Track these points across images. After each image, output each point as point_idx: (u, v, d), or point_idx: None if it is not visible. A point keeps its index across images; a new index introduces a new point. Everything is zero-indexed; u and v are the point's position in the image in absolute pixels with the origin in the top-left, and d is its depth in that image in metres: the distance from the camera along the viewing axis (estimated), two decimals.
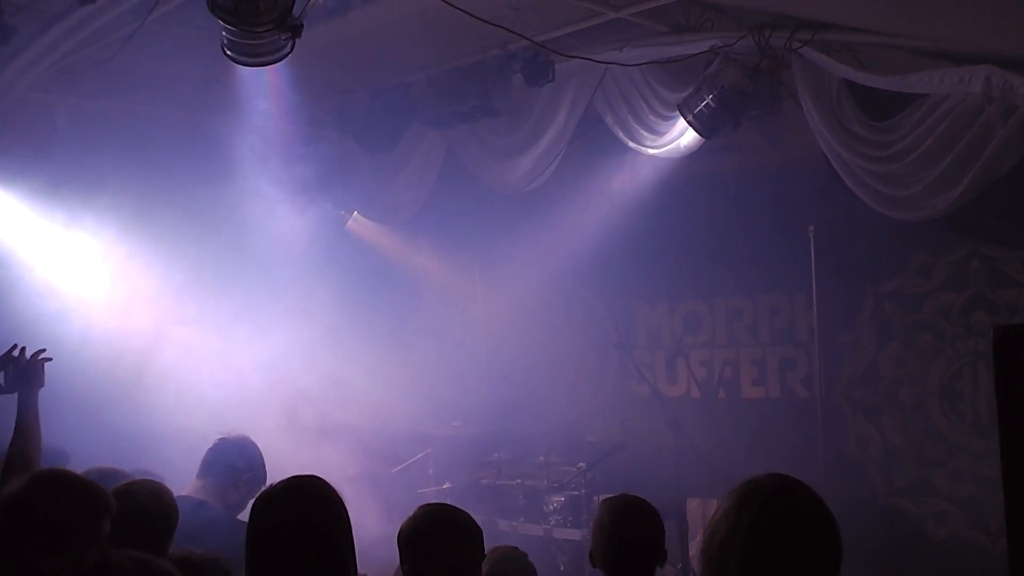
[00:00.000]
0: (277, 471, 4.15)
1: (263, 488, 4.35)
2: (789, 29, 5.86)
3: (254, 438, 4.63)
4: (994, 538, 6.80)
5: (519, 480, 8.20)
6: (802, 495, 2.18)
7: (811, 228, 7.39)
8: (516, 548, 4.10)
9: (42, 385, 4.09)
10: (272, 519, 2.91)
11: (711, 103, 6.19)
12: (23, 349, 4.10)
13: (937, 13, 5.10)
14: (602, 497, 3.74)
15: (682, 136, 6.71)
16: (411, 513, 3.24)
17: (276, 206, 7.88)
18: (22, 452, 3.83)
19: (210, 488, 4.37)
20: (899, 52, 5.67)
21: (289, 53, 4.41)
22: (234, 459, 4.43)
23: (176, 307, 7.42)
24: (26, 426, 3.94)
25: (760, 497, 2.14)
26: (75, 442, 4.69)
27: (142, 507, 3.33)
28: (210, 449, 4.50)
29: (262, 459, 4.54)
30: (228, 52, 4.38)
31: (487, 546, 3.34)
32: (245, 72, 6.17)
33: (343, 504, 2.99)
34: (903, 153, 5.68)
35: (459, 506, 3.32)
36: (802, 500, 2.16)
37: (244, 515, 3.86)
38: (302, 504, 2.93)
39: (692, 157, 6.92)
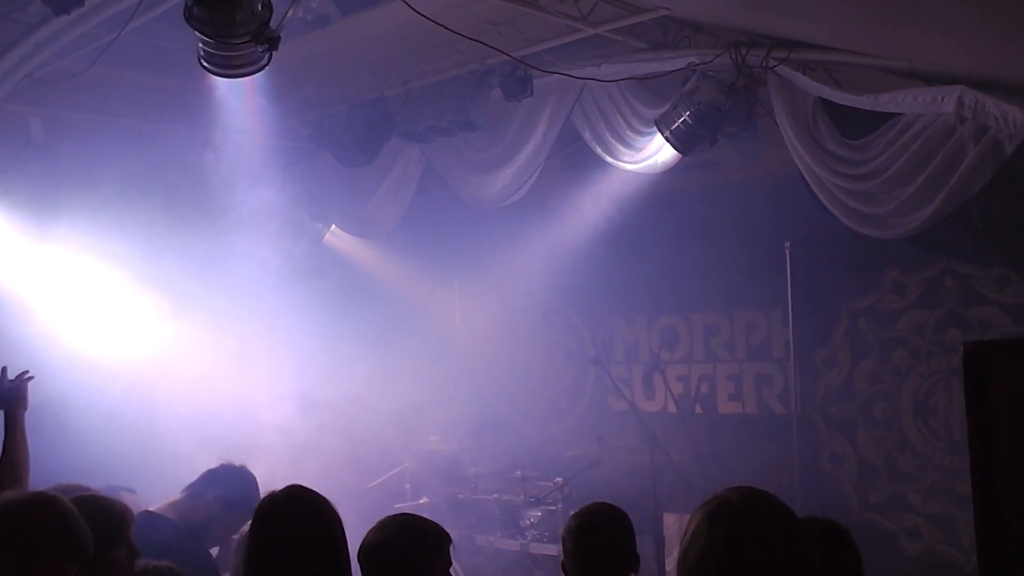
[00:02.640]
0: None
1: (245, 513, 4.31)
2: (765, 47, 5.91)
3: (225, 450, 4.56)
4: (967, 554, 6.84)
5: (496, 495, 8.18)
6: (769, 506, 2.20)
7: (787, 244, 7.46)
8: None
9: (26, 407, 4.06)
10: (276, 528, 2.99)
11: (688, 119, 6.22)
12: (4, 369, 4.07)
13: (911, 34, 5.16)
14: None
15: (659, 152, 6.74)
16: (375, 528, 3.22)
17: (253, 219, 7.85)
18: (11, 472, 3.78)
19: (185, 506, 4.29)
20: (873, 72, 5.73)
21: (266, 65, 4.39)
22: (228, 488, 4.32)
23: (149, 320, 7.38)
24: (13, 447, 3.90)
25: (729, 513, 2.16)
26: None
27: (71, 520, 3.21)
28: (209, 470, 4.40)
29: (256, 494, 4.32)
30: (205, 63, 4.36)
31: (462, 560, 3.33)
32: (222, 84, 6.16)
33: (339, 518, 3.08)
34: (877, 171, 5.72)
35: (436, 521, 3.30)
36: (770, 511, 2.19)
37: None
38: (306, 514, 3.02)
39: (669, 173, 6.95)
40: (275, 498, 3.06)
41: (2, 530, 2.69)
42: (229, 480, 4.37)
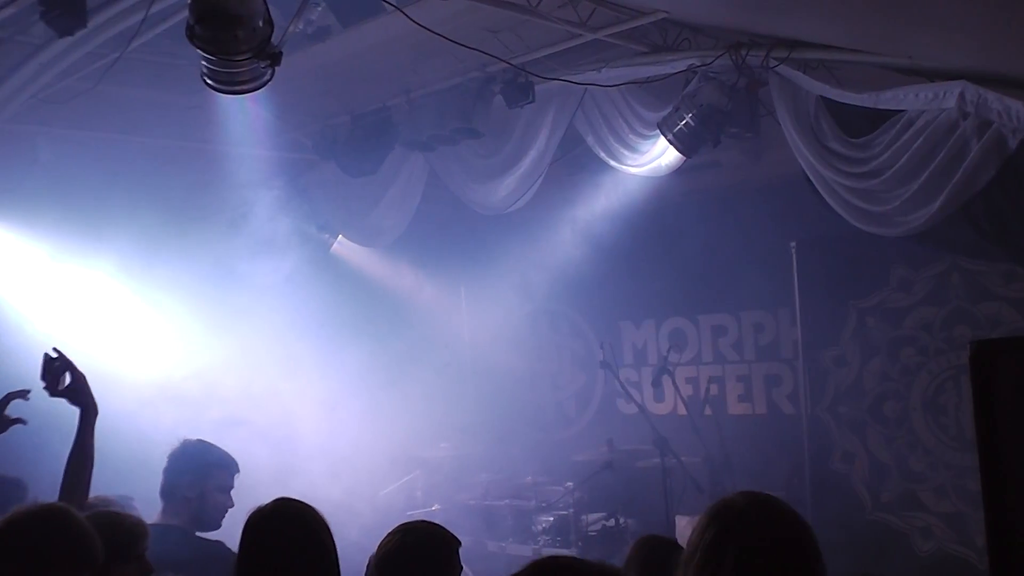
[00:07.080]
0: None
1: (219, 484, 4.30)
2: (765, 47, 5.89)
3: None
4: (980, 553, 6.81)
5: (507, 500, 8.19)
6: (776, 510, 2.21)
7: (793, 244, 7.45)
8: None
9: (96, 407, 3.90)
10: (264, 541, 3.03)
11: (690, 121, 6.21)
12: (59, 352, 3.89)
13: (911, 30, 5.14)
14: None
15: (663, 155, 6.73)
16: (390, 536, 3.26)
17: (259, 232, 7.88)
18: (82, 469, 3.74)
19: (170, 510, 4.32)
20: (874, 69, 5.71)
21: (269, 81, 4.41)
22: (175, 474, 4.35)
23: (156, 334, 7.42)
24: (83, 441, 3.79)
25: (735, 518, 2.16)
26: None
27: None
28: (162, 470, 4.41)
29: (203, 455, 4.41)
30: (208, 81, 4.38)
31: (475, 566, 3.37)
32: (226, 99, 6.18)
33: (328, 527, 3.11)
34: (880, 169, 5.70)
35: (448, 527, 3.36)
36: (777, 516, 2.20)
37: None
38: (294, 526, 3.05)
39: (674, 175, 6.95)
40: (263, 512, 3.10)
41: (14, 542, 2.78)
42: (183, 457, 4.38)
